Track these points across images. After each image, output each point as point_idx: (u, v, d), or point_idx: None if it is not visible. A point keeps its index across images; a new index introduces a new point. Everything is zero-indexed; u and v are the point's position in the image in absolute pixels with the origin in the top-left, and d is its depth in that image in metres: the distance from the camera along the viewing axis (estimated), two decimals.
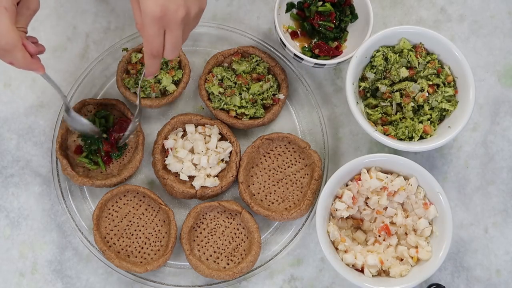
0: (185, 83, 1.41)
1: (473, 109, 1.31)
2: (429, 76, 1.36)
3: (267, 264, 1.38)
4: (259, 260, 1.38)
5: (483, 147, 1.46)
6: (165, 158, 1.40)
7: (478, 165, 1.45)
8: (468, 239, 1.42)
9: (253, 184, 1.40)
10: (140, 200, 1.38)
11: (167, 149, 1.40)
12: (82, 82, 1.42)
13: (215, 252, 1.37)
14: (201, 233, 1.37)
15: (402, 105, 1.36)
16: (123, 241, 1.36)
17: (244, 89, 1.41)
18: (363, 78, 1.39)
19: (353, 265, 1.32)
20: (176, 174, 1.40)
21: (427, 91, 1.35)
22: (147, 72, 1.17)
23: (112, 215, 1.37)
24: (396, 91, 1.36)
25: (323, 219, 1.31)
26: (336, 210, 1.33)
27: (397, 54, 1.36)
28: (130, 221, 1.37)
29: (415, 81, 1.37)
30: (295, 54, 1.37)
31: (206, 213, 1.38)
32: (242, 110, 1.41)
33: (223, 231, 1.37)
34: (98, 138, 1.38)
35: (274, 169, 1.41)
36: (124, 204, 1.38)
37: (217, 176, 1.41)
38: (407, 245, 1.33)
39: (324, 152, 1.42)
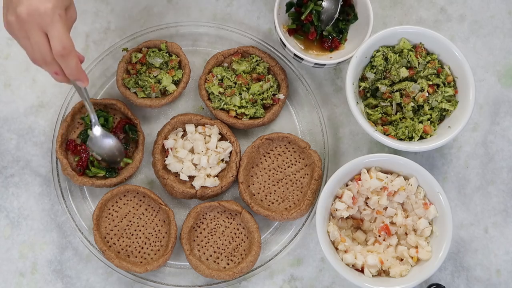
0: (185, 83, 1.41)
1: (473, 109, 1.31)
2: (429, 76, 1.36)
3: (267, 264, 1.38)
4: (259, 260, 1.38)
5: (483, 147, 1.46)
6: (165, 158, 1.40)
7: (478, 165, 1.45)
8: (468, 239, 1.42)
9: (253, 184, 1.40)
10: (140, 200, 1.38)
11: (167, 149, 1.40)
12: None
13: (215, 252, 1.37)
14: (201, 233, 1.37)
15: (402, 105, 1.36)
16: (123, 241, 1.36)
17: (244, 89, 1.41)
18: (363, 78, 1.39)
19: (353, 265, 1.32)
20: (176, 174, 1.40)
21: (427, 91, 1.35)
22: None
23: (112, 215, 1.37)
24: (396, 91, 1.36)
25: (323, 219, 1.31)
26: (336, 210, 1.33)
27: (397, 54, 1.36)
28: (130, 221, 1.37)
29: (415, 81, 1.37)
30: (295, 54, 1.37)
31: (206, 213, 1.38)
32: (242, 110, 1.41)
33: (223, 231, 1.37)
34: (115, 163, 1.35)
35: (274, 169, 1.41)
36: (124, 204, 1.38)
37: (217, 176, 1.41)
38: (407, 245, 1.33)
39: (324, 152, 1.42)
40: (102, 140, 1.33)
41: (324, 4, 1.40)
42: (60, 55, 1.08)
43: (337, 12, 1.39)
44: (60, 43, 1.08)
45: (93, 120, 1.30)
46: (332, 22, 1.40)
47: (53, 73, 1.12)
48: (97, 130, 1.31)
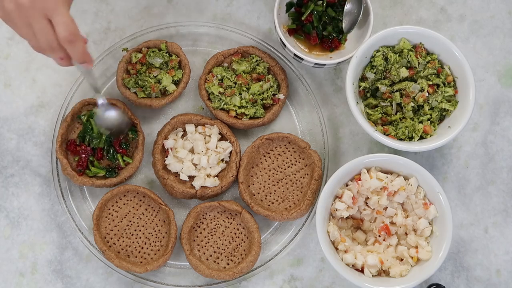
0: (185, 83, 1.41)
1: (473, 109, 1.31)
2: (429, 76, 1.36)
3: (267, 264, 1.38)
4: (259, 260, 1.38)
5: (483, 147, 1.46)
6: (165, 158, 1.40)
7: (478, 165, 1.45)
8: (468, 239, 1.42)
9: (253, 184, 1.40)
10: (140, 200, 1.38)
11: (167, 149, 1.40)
12: (82, 82, 1.42)
13: (215, 252, 1.37)
14: (201, 233, 1.37)
15: (402, 105, 1.36)
16: (123, 241, 1.36)
17: (244, 89, 1.41)
18: (363, 78, 1.39)
19: (353, 265, 1.32)
20: (176, 174, 1.40)
21: (427, 91, 1.35)
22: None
23: (112, 215, 1.37)
24: (396, 91, 1.37)
25: (323, 219, 1.31)
26: (336, 210, 1.33)
27: (397, 54, 1.36)
28: (130, 221, 1.37)
29: (415, 81, 1.37)
30: (295, 54, 1.37)
31: (206, 213, 1.38)
32: (242, 110, 1.41)
33: (223, 231, 1.37)
34: (123, 133, 1.38)
35: (274, 169, 1.41)
36: (124, 204, 1.38)
37: (217, 176, 1.41)
38: (407, 245, 1.33)
39: (324, 152, 1.42)
40: (109, 117, 1.33)
41: (348, 6, 1.39)
42: (67, 41, 1.05)
43: (360, 15, 1.38)
44: (67, 29, 1.04)
45: (100, 102, 1.31)
46: (356, 24, 1.39)
47: (59, 58, 1.09)
48: (104, 110, 1.32)
